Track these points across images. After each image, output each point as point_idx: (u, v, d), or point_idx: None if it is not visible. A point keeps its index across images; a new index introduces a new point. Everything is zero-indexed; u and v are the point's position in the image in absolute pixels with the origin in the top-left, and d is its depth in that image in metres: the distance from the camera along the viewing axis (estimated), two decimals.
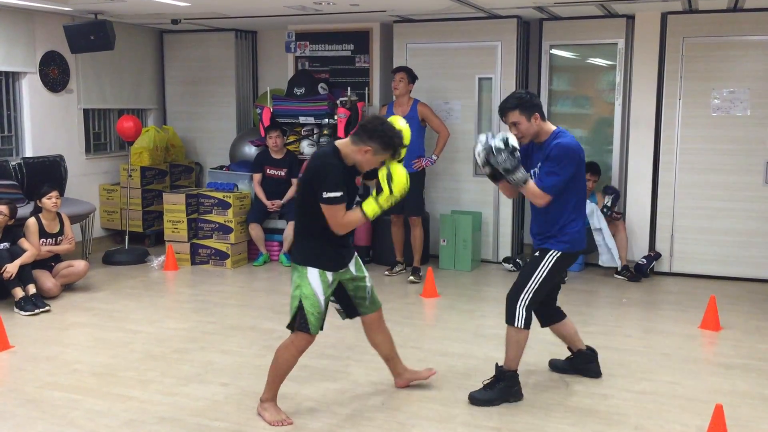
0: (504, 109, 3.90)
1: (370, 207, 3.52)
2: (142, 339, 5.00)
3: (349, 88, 7.37)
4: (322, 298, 3.59)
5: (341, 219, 3.50)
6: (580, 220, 3.95)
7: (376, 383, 4.18)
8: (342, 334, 4.95)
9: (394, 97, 6.74)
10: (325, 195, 3.44)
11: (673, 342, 4.97)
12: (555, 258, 3.89)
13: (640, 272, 6.70)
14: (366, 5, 6.50)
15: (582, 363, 4.33)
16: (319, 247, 3.60)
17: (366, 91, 7.65)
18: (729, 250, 6.68)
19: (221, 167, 7.97)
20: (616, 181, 7.09)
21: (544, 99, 7.16)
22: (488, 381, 4.00)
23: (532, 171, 3.92)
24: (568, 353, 4.41)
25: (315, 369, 4.35)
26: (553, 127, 3.94)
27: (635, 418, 3.74)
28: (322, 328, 3.66)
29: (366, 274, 3.85)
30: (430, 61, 7.05)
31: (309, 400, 3.95)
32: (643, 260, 6.78)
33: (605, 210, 6.73)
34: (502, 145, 3.71)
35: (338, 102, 7.22)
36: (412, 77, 6.66)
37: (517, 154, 3.76)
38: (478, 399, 3.93)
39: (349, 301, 3.85)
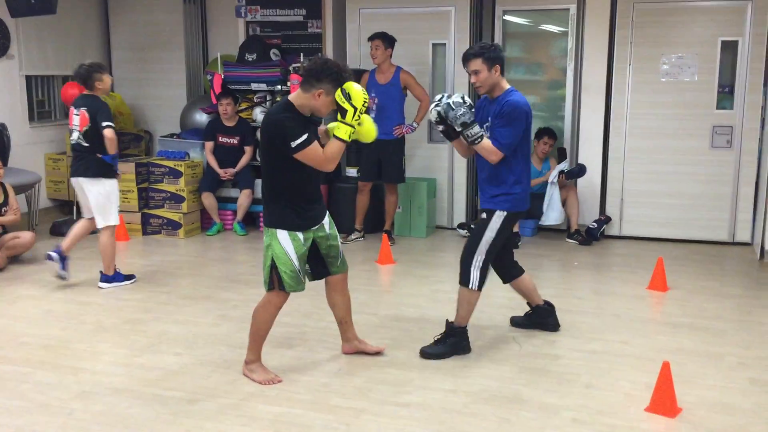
0: (468, 56, 3.99)
1: (342, 130, 3.49)
2: (93, 310, 4.91)
3: (302, 54, 7.26)
4: (294, 256, 3.60)
5: (321, 156, 3.50)
6: (525, 182, 4.09)
7: (332, 349, 4.19)
8: (298, 302, 4.93)
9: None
10: (293, 144, 3.43)
11: (623, 303, 5.10)
12: (502, 218, 4.04)
13: (591, 236, 6.83)
14: None
15: (541, 317, 4.51)
16: (287, 208, 3.60)
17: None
18: (676, 213, 6.85)
19: (172, 135, 7.81)
20: (568, 145, 7.17)
21: None
22: (438, 336, 4.15)
23: (484, 125, 4.03)
24: (525, 310, 4.58)
25: (271, 336, 4.31)
26: (508, 86, 4.06)
27: (586, 377, 3.84)
28: (303, 287, 3.69)
29: (337, 233, 3.86)
30: (384, 27, 6.97)
31: (267, 368, 3.94)
32: (594, 224, 6.91)
33: (559, 173, 6.83)
34: (460, 100, 3.84)
35: (291, 68, 7.12)
36: (389, 42, 6.54)
37: (473, 110, 3.90)
38: (429, 353, 4.07)
39: (321, 261, 3.83)
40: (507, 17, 7.19)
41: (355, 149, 7.17)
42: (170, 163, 7.05)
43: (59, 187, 7.81)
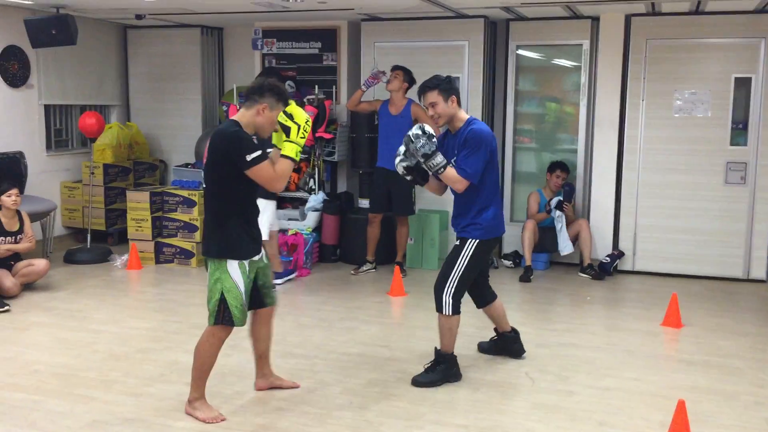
0: (424, 89, 4.11)
1: (289, 148, 3.53)
2: (104, 339, 4.91)
3: (316, 86, 7.34)
4: (243, 290, 3.58)
5: (273, 173, 3.50)
6: (494, 207, 4.14)
7: (343, 382, 4.17)
8: (309, 332, 4.94)
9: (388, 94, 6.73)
10: (249, 158, 3.43)
11: (636, 339, 5.05)
12: (474, 246, 4.11)
13: (603, 271, 6.79)
14: (334, 3, 6.46)
15: (506, 344, 4.56)
16: (234, 235, 3.56)
17: (333, 90, 7.62)
18: (690, 249, 6.80)
19: (186, 165, 7.87)
20: (581, 180, 7.17)
21: (510, 99, 7.25)
22: (428, 364, 4.18)
23: (452, 160, 4.08)
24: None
25: (282, 368, 4.32)
26: (467, 116, 4.15)
27: (600, 414, 3.79)
28: (246, 319, 3.69)
29: (268, 263, 3.85)
30: (398, 60, 7.04)
31: (277, 400, 3.92)
32: (607, 259, 6.87)
33: (556, 203, 6.84)
34: (419, 131, 3.91)
35: (305, 100, 7.19)
36: (409, 78, 6.64)
37: (434, 140, 3.95)
38: (421, 381, 4.10)
39: (257, 292, 3.78)
40: (520, 52, 7.25)
41: (367, 181, 7.20)
42: (184, 193, 7.10)
43: (74, 215, 7.88)
